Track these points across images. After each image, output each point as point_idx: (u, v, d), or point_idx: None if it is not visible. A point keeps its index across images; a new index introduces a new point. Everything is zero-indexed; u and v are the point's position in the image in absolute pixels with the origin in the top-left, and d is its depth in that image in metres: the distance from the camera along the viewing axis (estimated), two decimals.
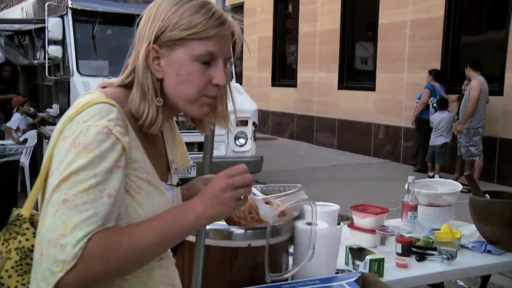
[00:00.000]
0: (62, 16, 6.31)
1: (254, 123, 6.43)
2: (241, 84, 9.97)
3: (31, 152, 6.30)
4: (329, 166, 8.56)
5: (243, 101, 6.42)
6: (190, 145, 5.36)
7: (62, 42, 6.28)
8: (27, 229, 1.00)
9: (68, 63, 6.16)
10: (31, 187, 6.18)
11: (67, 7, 6.24)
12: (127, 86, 1.06)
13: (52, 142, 0.98)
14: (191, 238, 1.29)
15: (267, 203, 1.21)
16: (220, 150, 6.11)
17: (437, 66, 7.88)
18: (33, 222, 1.02)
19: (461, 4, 7.87)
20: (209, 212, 0.98)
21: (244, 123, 6.35)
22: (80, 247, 0.87)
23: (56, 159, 0.94)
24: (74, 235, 0.88)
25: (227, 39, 1.04)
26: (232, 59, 1.09)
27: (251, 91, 8.59)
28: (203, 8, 1.01)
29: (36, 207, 1.04)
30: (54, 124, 6.02)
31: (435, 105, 7.46)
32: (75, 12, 6.21)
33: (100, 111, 0.95)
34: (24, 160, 6.12)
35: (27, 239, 0.99)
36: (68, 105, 6.18)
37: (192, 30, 1.00)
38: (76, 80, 5.94)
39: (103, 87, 1.07)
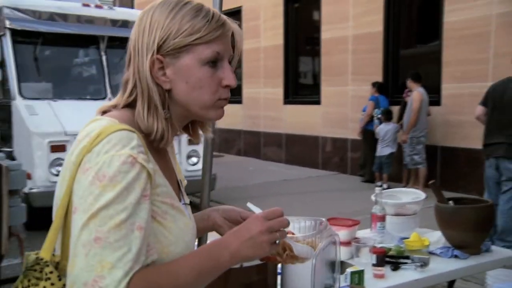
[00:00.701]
0: (0, 37, 6.02)
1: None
2: None
3: None
4: (279, 181, 8.63)
5: None
6: None
7: (1, 64, 5.98)
8: (51, 272, 0.93)
9: (9, 86, 5.87)
10: None
11: (5, 27, 5.96)
12: (132, 105, 1.01)
13: (67, 177, 0.92)
14: None
15: (291, 233, 1.19)
16: None
17: (379, 78, 8.20)
18: (56, 265, 0.95)
19: (398, 19, 8.26)
20: (243, 253, 0.96)
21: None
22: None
23: (79, 194, 0.88)
24: (113, 276, 0.83)
25: (228, 39, 1.03)
26: (234, 58, 1.08)
27: None
28: (201, 11, 1.00)
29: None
30: None
31: (379, 116, 7.73)
32: (14, 32, 5.94)
33: (121, 139, 0.91)
34: None
35: (52, 284, 0.93)
36: (10, 130, 5.88)
37: (196, 35, 0.97)
38: (19, 103, 5.66)
39: (105, 111, 1.02)
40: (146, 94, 0.99)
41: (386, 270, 2.11)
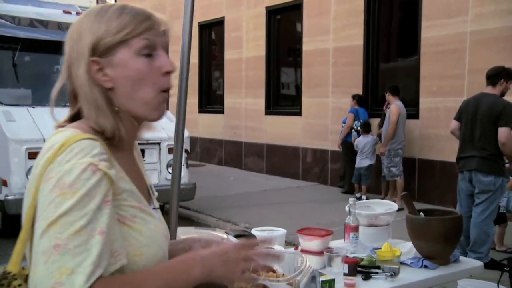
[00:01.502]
0: None
1: (186, 150, 6.39)
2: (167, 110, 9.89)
3: None
4: (259, 191, 8.66)
5: (174, 129, 6.38)
6: None
7: None
8: (20, 285, 0.93)
9: None
10: None
11: None
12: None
13: (33, 188, 0.93)
14: None
15: (272, 271, 1.21)
16: (152, 178, 5.99)
17: (359, 91, 8.32)
18: (25, 278, 0.95)
19: (378, 33, 8.42)
20: (216, 273, 0.99)
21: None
22: None
23: (41, 203, 0.90)
24: (72, 282, 0.84)
25: (158, 30, 1.04)
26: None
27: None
28: (125, 9, 1.03)
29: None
30: None
31: (358, 128, 7.84)
32: None
33: (83, 148, 0.93)
34: None
35: None
36: None
37: (125, 30, 1.00)
38: None
39: (64, 123, 1.05)
40: (89, 97, 1.01)
41: (358, 279, 2.15)
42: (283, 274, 1.22)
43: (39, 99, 6.01)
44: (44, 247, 0.86)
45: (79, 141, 0.94)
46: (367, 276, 2.19)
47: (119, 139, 1.02)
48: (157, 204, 1.16)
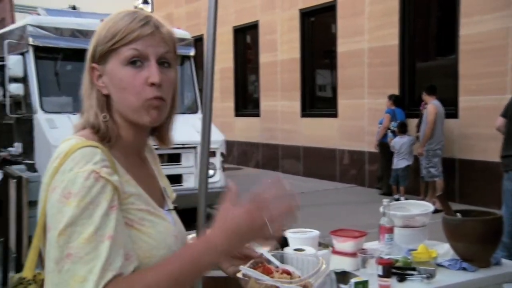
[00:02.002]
0: (23, 54, 6.23)
1: (222, 154, 6.47)
2: None
3: None
4: (296, 193, 8.63)
5: (201, 133, 6.46)
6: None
7: (24, 80, 6.18)
8: None
9: (31, 100, 6.06)
10: None
11: (28, 44, 6.16)
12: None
13: (42, 196, 0.96)
14: None
15: (287, 273, 1.21)
16: (189, 182, 6.10)
17: (395, 91, 8.20)
18: (42, 283, 0.99)
19: (413, 32, 8.27)
20: (232, 248, 0.96)
21: (212, 154, 6.37)
22: None
23: (50, 212, 0.92)
24: None
25: (154, 38, 1.02)
26: (175, 61, 1.07)
27: (215, 122, 8.60)
28: (127, 15, 1.02)
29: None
30: (19, 163, 5.86)
31: (395, 129, 7.72)
32: (36, 49, 6.14)
33: (84, 156, 0.94)
34: None
35: None
36: (32, 143, 6.05)
37: (115, 38, 1.00)
38: (40, 117, 5.84)
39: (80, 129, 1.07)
40: (87, 102, 1.05)
41: (392, 281, 2.12)
42: (299, 277, 1.21)
43: (79, 106, 6.20)
44: (57, 257, 0.89)
45: (81, 149, 0.95)
46: (402, 278, 2.16)
47: (116, 140, 1.03)
48: (171, 206, 1.17)
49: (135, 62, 1.00)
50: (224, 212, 0.96)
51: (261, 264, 1.20)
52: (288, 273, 1.21)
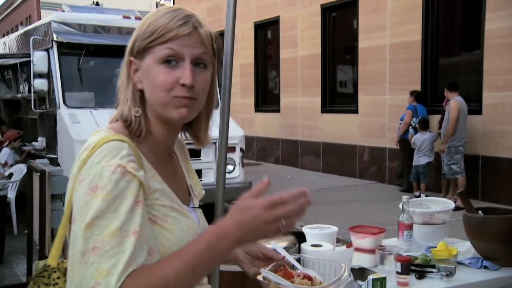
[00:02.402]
0: (47, 50, 6.34)
1: (241, 149, 6.48)
2: None
3: (17, 187, 6.22)
4: (316, 190, 8.60)
5: (230, 128, 6.47)
6: None
7: (48, 75, 6.29)
8: (58, 278, 1.00)
9: (54, 95, 6.16)
10: (17, 222, 6.04)
11: (52, 40, 6.27)
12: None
13: (70, 187, 0.98)
14: None
15: (308, 278, 1.19)
16: (209, 177, 6.13)
17: (417, 87, 8.09)
18: (65, 271, 1.01)
19: (437, 27, 8.14)
20: (244, 240, 0.95)
21: (231, 149, 6.39)
22: None
23: (76, 204, 0.94)
24: (107, 282, 0.88)
25: (192, 38, 1.02)
26: (215, 64, 1.09)
27: (235, 118, 8.68)
28: (168, 13, 1.03)
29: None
30: (42, 157, 5.97)
31: (416, 125, 7.63)
32: (60, 45, 6.24)
33: (111, 150, 0.95)
34: (11, 195, 6.04)
35: None
36: (55, 138, 6.16)
37: (153, 36, 1.01)
38: (63, 112, 5.94)
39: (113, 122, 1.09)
40: (122, 94, 1.06)
41: (411, 278, 2.10)
42: (321, 282, 1.19)
43: (101, 101, 6.31)
44: (83, 249, 0.90)
45: (108, 143, 0.96)
46: (421, 275, 2.14)
47: (145, 135, 1.04)
48: (196, 204, 1.17)
49: (170, 61, 1.01)
50: (241, 202, 0.95)
51: (283, 268, 1.19)
52: (310, 278, 1.19)
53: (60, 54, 6.24)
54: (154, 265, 0.93)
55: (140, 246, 0.92)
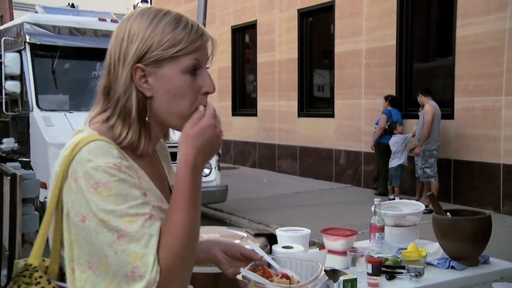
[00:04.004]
0: (19, 51, 6.23)
1: (218, 153, 6.48)
2: None
3: None
4: (292, 193, 8.65)
5: None
6: None
7: (20, 77, 6.18)
8: (40, 277, 0.98)
9: (27, 98, 6.06)
10: None
11: (25, 42, 6.17)
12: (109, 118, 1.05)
13: (53, 186, 0.97)
14: None
15: (286, 277, 1.21)
16: None
17: (392, 92, 8.21)
18: (45, 270, 1.00)
19: (411, 33, 8.29)
20: (207, 160, 1.03)
21: None
22: (156, 270, 0.91)
23: (81, 203, 0.93)
24: (146, 263, 0.91)
25: (206, 48, 1.06)
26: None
27: None
28: (180, 22, 1.03)
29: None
30: (14, 160, 5.86)
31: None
32: (33, 47, 6.15)
33: (99, 149, 0.96)
34: None
35: (42, 287, 0.98)
36: (28, 141, 6.06)
37: (178, 46, 1.01)
38: (36, 115, 5.84)
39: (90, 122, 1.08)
40: (122, 101, 1.02)
41: (382, 279, 2.14)
42: (298, 282, 1.22)
43: (76, 104, 6.23)
44: (109, 241, 0.92)
45: (95, 142, 0.97)
46: (391, 276, 2.18)
47: (142, 147, 1.05)
48: None
49: (194, 70, 1.03)
50: (185, 132, 1.01)
51: (261, 267, 1.21)
52: (287, 277, 1.22)
53: (33, 56, 6.14)
54: (167, 225, 0.97)
55: (158, 224, 0.96)
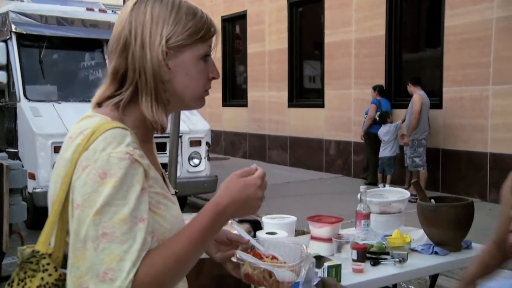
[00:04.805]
0: (5, 41, 6.16)
1: (207, 143, 6.48)
2: None
3: None
4: (283, 183, 8.68)
5: (195, 122, 6.48)
6: None
7: (7, 67, 6.12)
8: (48, 264, 0.97)
9: (14, 88, 6.01)
10: None
11: (11, 31, 6.10)
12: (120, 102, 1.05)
13: (63, 173, 0.97)
14: None
15: (275, 259, 1.24)
16: None
17: (382, 82, 8.24)
18: (52, 257, 0.99)
19: (400, 23, 8.31)
20: (236, 216, 1.03)
21: (197, 143, 6.39)
22: (130, 279, 0.89)
23: (81, 191, 0.93)
24: (121, 268, 0.89)
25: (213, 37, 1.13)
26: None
27: (202, 112, 8.64)
28: (196, 11, 1.09)
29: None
30: (1, 151, 5.82)
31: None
32: (20, 36, 6.08)
33: (116, 137, 0.95)
34: None
35: (50, 275, 0.97)
36: (15, 131, 6.01)
37: (199, 34, 1.07)
38: (24, 105, 5.79)
39: (100, 103, 1.07)
40: (151, 86, 1.04)
41: (366, 265, 2.17)
42: (285, 262, 1.25)
43: (65, 95, 6.19)
44: (92, 235, 0.90)
45: (111, 130, 0.96)
46: (375, 262, 2.21)
47: (157, 130, 1.07)
48: (172, 191, 1.19)
49: (205, 57, 1.09)
50: (233, 179, 1.02)
51: (250, 250, 1.23)
52: (276, 258, 1.25)
53: (19, 45, 6.07)
54: (164, 246, 0.97)
55: (148, 232, 0.95)
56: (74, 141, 0.97)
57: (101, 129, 0.96)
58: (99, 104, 1.06)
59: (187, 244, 0.96)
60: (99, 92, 1.08)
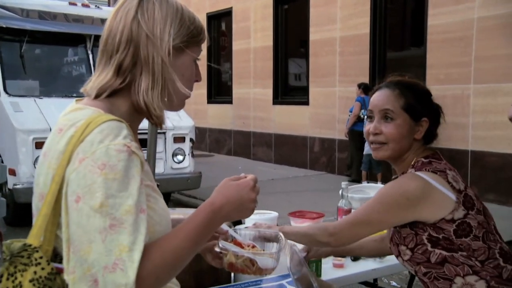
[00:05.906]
0: None
1: (191, 139, 6.46)
2: None
3: None
4: (267, 180, 8.70)
5: (179, 118, 6.44)
6: None
7: None
8: (41, 257, 0.96)
9: None
10: None
11: None
12: (114, 93, 1.05)
13: (55, 165, 0.96)
14: None
15: (238, 244, 1.26)
16: (158, 167, 6.06)
17: (366, 80, 8.29)
18: (41, 250, 0.97)
19: (385, 22, 8.37)
20: (230, 217, 1.05)
21: (181, 139, 6.36)
22: (138, 268, 0.90)
23: (81, 183, 0.91)
24: (131, 258, 0.89)
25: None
26: None
27: (187, 108, 8.59)
28: (195, 16, 1.12)
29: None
30: None
31: (364, 117, 7.82)
32: (0, 30, 5.98)
33: (113, 129, 0.95)
34: None
35: (42, 268, 0.95)
36: None
37: (199, 36, 1.11)
38: (4, 100, 5.70)
39: (99, 95, 1.06)
40: (160, 80, 1.05)
41: (347, 260, 2.18)
42: (263, 250, 1.28)
43: (46, 90, 6.11)
44: (99, 227, 0.89)
45: (108, 122, 0.96)
46: (356, 257, 2.22)
47: (156, 124, 1.09)
48: (155, 184, 1.20)
49: (195, 60, 1.12)
50: (226, 182, 1.06)
51: (231, 240, 1.26)
52: (255, 247, 1.29)
53: (0, 39, 5.98)
54: (162, 241, 0.97)
55: (147, 222, 0.95)
56: (66, 133, 0.96)
57: (97, 121, 0.95)
58: (97, 96, 1.05)
59: (184, 240, 0.97)
60: (96, 84, 1.05)
